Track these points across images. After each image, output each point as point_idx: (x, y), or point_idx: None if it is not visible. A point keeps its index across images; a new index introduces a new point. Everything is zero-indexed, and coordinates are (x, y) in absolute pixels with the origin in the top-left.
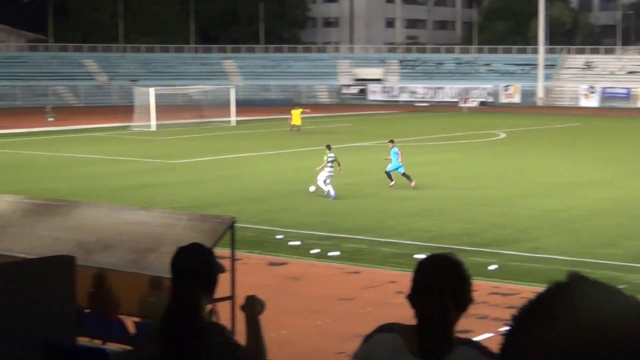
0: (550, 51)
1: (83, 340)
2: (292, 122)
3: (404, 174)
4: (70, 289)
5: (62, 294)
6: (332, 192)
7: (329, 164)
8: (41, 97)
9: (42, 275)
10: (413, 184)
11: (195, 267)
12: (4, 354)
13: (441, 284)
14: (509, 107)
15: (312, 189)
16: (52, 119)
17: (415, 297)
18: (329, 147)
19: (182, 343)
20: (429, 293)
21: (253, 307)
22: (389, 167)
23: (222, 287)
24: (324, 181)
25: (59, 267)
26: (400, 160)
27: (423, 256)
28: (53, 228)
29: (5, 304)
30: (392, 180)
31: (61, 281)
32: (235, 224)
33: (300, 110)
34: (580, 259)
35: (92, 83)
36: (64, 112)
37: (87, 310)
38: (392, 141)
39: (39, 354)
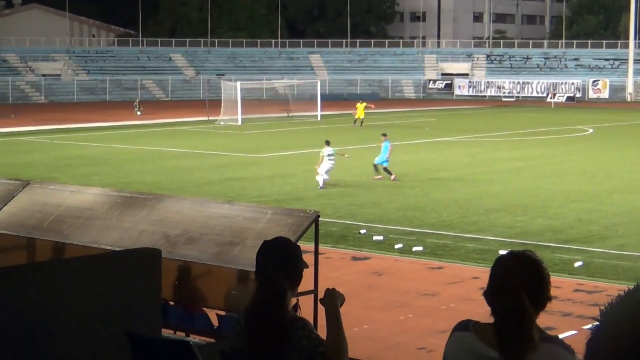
0: None
1: (167, 332)
2: (357, 116)
3: (385, 169)
4: (156, 281)
5: (147, 286)
6: (321, 183)
7: (328, 159)
8: (130, 91)
9: (128, 267)
10: (393, 177)
11: (282, 260)
12: (91, 344)
13: (517, 282)
14: (598, 103)
15: (321, 183)
16: (140, 113)
17: (491, 294)
18: (327, 143)
19: (267, 335)
20: (505, 291)
21: (333, 299)
22: (377, 160)
23: (305, 282)
24: (325, 171)
25: (145, 259)
26: (388, 155)
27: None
28: (139, 221)
29: (92, 295)
30: (391, 174)
31: (147, 273)
32: (320, 219)
33: (365, 104)
34: None
35: (180, 77)
36: (152, 106)
37: (171, 303)
38: (384, 135)
39: (124, 344)
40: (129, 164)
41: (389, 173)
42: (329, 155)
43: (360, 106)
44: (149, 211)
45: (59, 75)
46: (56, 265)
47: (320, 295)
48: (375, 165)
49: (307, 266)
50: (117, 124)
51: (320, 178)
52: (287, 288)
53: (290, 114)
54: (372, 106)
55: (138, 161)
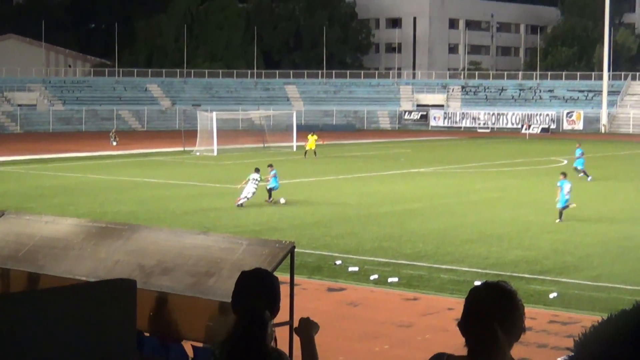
0: (614, 77)
1: None
2: (308, 147)
3: (270, 190)
4: (131, 312)
5: (122, 317)
6: (241, 201)
7: (253, 182)
8: (106, 122)
9: (103, 298)
10: (270, 199)
11: (264, 291)
12: None
13: (490, 312)
14: (572, 134)
15: (240, 202)
16: (115, 143)
17: (465, 325)
18: (257, 170)
19: None
20: (478, 321)
21: (308, 329)
22: (269, 186)
23: (281, 312)
24: (251, 192)
25: (119, 290)
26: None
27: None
28: (114, 251)
29: (66, 326)
30: (270, 197)
31: (122, 304)
32: (295, 249)
33: (316, 137)
34: None
35: (156, 107)
36: (128, 136)
37: (146, 334)
38: (270, 165)
39: None
40: (105, 194)
41: (270, 196)
42: (254, 179)
43: (312, 138)
44: (125, 241)
45: (35, 105)
46: (30, 296)
47: (296, 325)
48: (269, 190)
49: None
50: (93, 154)
51: (244, 195)
52: (269, 319)
53: (266, 145)
54: (322, 142)
55: (114, 191)
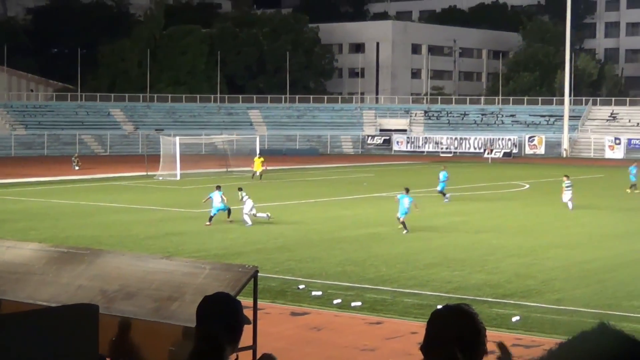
0: (575, 102)
1: None
2: (254, 169)
3: (213, 217)
4: (93, 338)
5: (84, 343)
6: (255, 217)
7: (246, 200)
8: (68, 146)
9: (64, 324)
10: (209, 223)
11: (223, 316)
12: None
13: (451, 335)
14: (534, 159)
15: (265, 215)
16: (78, 168)
17: (426, 348)
18: (240, 189)
19: None
20: (439, 345)
21: None
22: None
23: (244, 337)
24: (250, 212)
25: (82, 315)
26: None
27: None
28: (76, 276)
29: (27, 352)
30: (210, 220)
31: (84, 329)
32: (258, 274)
33: (262, 160)
34: (605, 311)
35: (119, 132)
36: (91, 160)
37: (108, 359)
38: (218, 187)
39: None
40: (67, 219)
41: (210, 220)
42: (244, 197)
43: (258, 160)
44: (87, 266)
45: None
46: None
47: (261, 351)
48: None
49: (249, 322)
50: (55, 179)
51: (249, 217)
52: (226, 343)
53: (229, 169)
54: (265, 167)
55: (76, 216)
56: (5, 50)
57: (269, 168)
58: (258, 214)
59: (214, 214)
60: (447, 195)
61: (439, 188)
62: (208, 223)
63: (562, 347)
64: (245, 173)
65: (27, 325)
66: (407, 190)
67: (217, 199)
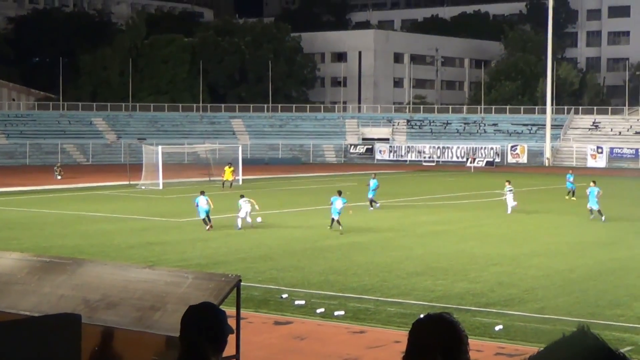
0: (557, 111)
1: None
2: (225, 178)
3: (206, 218)
4: (76, 347)
5: (67, 352)
6: (245, 221)
7: (245, 204)
8: (50, 155)
9: (47, 333)
10: (208, 227)
11: (207, 326)
12: None
13: (433, 344)
14: (516, 167)
15: (258, 219)
16: (60, 177)
17: (409, 358)
18: (242, 196)
19: None
20: (422, 354)
21: None
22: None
23: (228, 346)
24: (246, 214)
25: (64, 325)
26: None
27: None
28: (58, 286)
29: None
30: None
31: (66, 339)
32: (241, 283)
33: (232, 169)
34: (587, 320)
35: (101, 141)
36: (73, 170)
37: None
38: (202, 192)
39: None
40: (49, 228)
41: (206, 222)
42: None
43: (228, 170)
44: (69, 276)
45: None
46: None
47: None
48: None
49: (232, 331)
50: (37, 188)
51: (242, 220)
52: (211, 353)
53: (211, 178)
54: (234, 177)
55: (58, 225)
56: None
57: (249, 177)
58: (248, 219)
59: (205, 217)
60: (377, 203)
61: (369, 196)
62: (207, 228)
63: (542, 353)
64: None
65: (10, 335)
66: (340, 193)
67: (202, 202)
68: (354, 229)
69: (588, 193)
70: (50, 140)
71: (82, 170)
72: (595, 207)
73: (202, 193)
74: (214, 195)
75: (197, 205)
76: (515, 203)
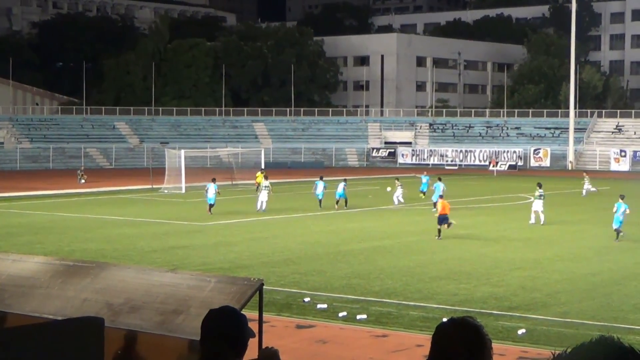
0: (580, 115)
1: None
2: (257, 181)
3: (211, 205)
4: (99, 351)
5: (90, 356)
6: (263, 207)
7: (265, 189)
8: (73, 160)
9: (70, 337)
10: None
11: (227, 330)
12: None
13: (457, 348)
14: (539, 171)
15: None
16: (83, 181)
17: None
18: (266, 177)
19: None
20: (445, 358)
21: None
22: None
23: (250, 350)
24: (264, 201)
25: (87, 328)
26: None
27: None
28: (81, 289)
29: None
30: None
31: (89, 343)
32: (264, 287)
33: (264, 173)
34: (611, 324)
35: (124, 145)
36: (96, 174)
37: None
38: (213, 179)
39: None
40: (73, 232)
41: (210, 208)
42: (265, 186)
43: (260, 175)
44: (92, 279)
45: (2, 143)
46: None
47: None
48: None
49: (253, 335)
50: (60, 192)
51: (260, 204)
52: (231, 358)
53: (234, 182)
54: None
55: (81, 229)
56: (11, 64)
57: (272, 181)
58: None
59: (212, 203)
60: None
61: (340, 197)
62: (210, 212)
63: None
64: (250, 186)
65: (34, 338)
66: (321, 178)
67: (211, 191)
68: (376, 234)
69: (615, 211)
70: (74, 144)
71: (105, 174)
72: (618, 226)
73: (214, 180)
74: (246, 199)
75: (207, 191)
76: (543, 218)
